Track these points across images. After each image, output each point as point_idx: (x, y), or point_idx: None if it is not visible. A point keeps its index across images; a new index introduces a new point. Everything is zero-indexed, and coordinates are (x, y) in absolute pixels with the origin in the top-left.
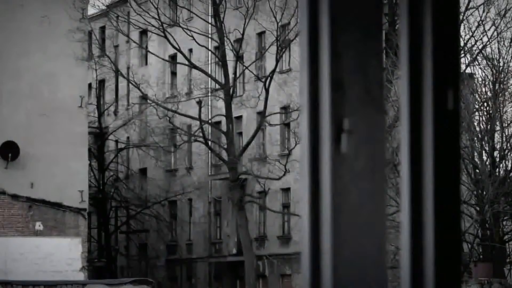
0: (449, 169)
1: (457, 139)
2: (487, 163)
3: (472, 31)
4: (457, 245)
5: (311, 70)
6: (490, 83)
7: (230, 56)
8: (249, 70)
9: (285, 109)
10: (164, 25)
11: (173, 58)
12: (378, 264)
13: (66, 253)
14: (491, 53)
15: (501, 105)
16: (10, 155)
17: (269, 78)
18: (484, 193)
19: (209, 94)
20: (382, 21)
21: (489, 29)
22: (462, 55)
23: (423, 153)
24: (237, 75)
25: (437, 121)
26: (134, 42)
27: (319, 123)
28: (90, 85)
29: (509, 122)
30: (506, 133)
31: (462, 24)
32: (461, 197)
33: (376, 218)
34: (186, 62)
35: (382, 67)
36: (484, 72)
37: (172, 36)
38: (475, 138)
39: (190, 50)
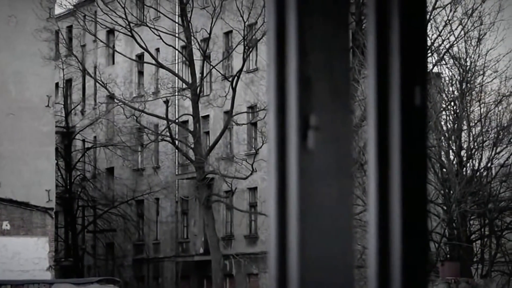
0: (416, 166)
1: (424, 136)
2: (454, 162)
3: (439, 30)
4: (424, 244)
5: (278, 67)
6: (457, 82)
7: (197, 55)
8: (216, 69)
9: (252, 109)
10: (131, 25)
11: (140, 57)
12: (345, 263)
13: (33, 253)
14: (458, 52)
15: (468, 105)
16: None
17: (236, 77)
18: (451, 192)
19: (176, 94)
20: (348, 20)
21: (456, 29)
22: (429, 54)
23: (390, 151)
24: (204, 74)
25: (404, 118)
26: (101, 41)
27: (286, 119)
28: (57, 84)
29: (476, 121)
30: (473, 133)
31: (429, 24)
32: (428, 195)
33: (343, 216)
34: (153, 62)
35: (349, 64)
36: (451, 72)
37: (139, 36)
38: (442, 138)
39: (157, 50)
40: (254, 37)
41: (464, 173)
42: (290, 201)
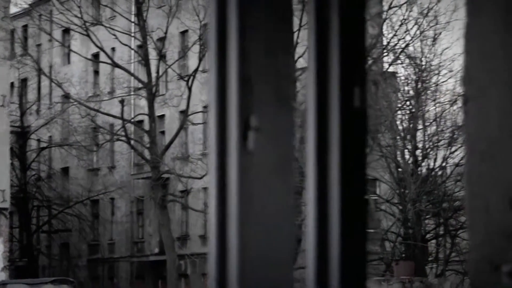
0: (355, 167)
1: (364, 137)
2: (409, 162)
3: (395, 30)
4: (363, 244)
5: (218, 67)
6: (413, 81)
7: (153, 55)
8: (172, 69)
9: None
10: (87, 24)
11: (96, 57)
12: (285, 264)
13: None
14: (414, 52)
15: (423, 104)
16: None
17: (192, 77)
18: (407, 191)
19: (132, 93)
20: (292, 19)
21: (411, 28)
22: (385, 53)
23: (329, 152)
24: (160, 74)
25: (344, 119)
26: (57, 41)
27: (226, 120)
28: (12, 84)
29: (431, 121)
30: (428, 132)
31: (385, 23)
32: (368, 195)
33: (283, 217)
34: (109, 61)
35: (291, 65)
36: (407, 71)
37: (95, 35)
38: (398, 137)
39: (113, 49)
40: None
41: (419, 172)
42: (230, 201)
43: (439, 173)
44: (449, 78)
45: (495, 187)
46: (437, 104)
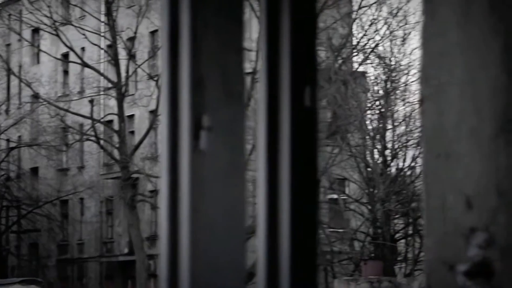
0: (306, 168)
1: (314, 136)
2: (378, 161)
3: (365, 29)
4: (313, 247)
5: (170, 66)
6: (382, 81)
7: (122, 54)
8: (141, 69)
9: None
10: (57, 24)
11: (65, 56)
12: (237, 264)
13: None
14: (383, 51)
15: (393, 104)
16: None
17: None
18: (376, 191)
19: (102, 93)
20: (243, 18)
21: (381, 28)
22: (355, 53)
23: (279, 152)
24: (130, 73)
25: (294, 119)
26: (26, 40)
27: (178, 119)
28: None
29: (400, 120)
30: (398, 132)
31: (355, 23)
32: (319, 196)
33: (235, 217)
34: (79, 61)
35: (243, 64)
36: (377, 71)
37: (65, 35)
38: (367, 137)
39: (83, 49)
40: None
41: (389, 172)
42: (182, 201)
43: (408, 173)
44: (418, 78)
45: (451, 186)
46: (407, 104)
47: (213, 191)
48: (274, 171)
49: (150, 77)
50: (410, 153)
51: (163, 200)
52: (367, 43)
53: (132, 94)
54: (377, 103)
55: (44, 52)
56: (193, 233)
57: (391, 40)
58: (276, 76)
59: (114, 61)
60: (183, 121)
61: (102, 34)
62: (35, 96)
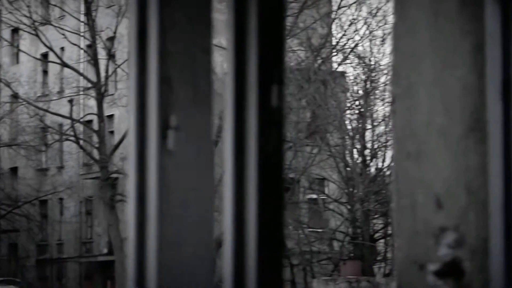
0: (273, 166)
1: (281, 135)
2: (358, 161)
3: (345, 29)
4: (279, 243)
5: (139, 67)
6: (362, 81)
7: (102, 54)
8: (121, 68)
9: None
10: (36, 24)
11: (45, 56)
12: (205, 264)
13: None
14: (363, 51)
15: (372, 104)
16: None
17: None
18: (355, 191)
19: (81, 93)
20: (211, 20)
21: (361, 28)
22: (335, 53)
23: (246, 150)
24: (109, 73)
25: (261, 117)
26: (6, 40)
27: (146, 119)
28: None
29: (380, 120)
30: (377, 132)
31: (335, 23)
32: (284, 194)
33: (203, 215)
34: (58, 61)
35: (210, 65)
36: (356, 71)
37: (44, 35)
38: (346, 137)
39: (62, 49)
40: None
41: (368, 172)
42: (150, 200)
43: (388, 172)
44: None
45: (421, 186)
46: (386, 104)
47: (181, 190)
48: (241, 169)
49: None
50: (389, 153)
51: (131, 200)
52: (347, 43)
53: (112, 94)
54: (357, 103)
55: (24, 52)
56: (161, 232)
57: (370, 40)
58: (244, 75)
59: (94, 61)
60: (151, 121)
61: (81, 34)
62: (15, 96)
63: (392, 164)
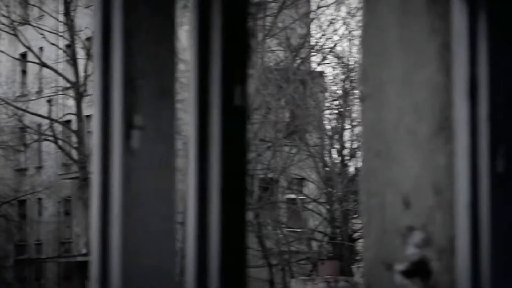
0: (236, 166)
1: (244, 135)
2: (336, 161)
3: (323, 29)
4: (242, 246)
5: (103, 67)
6: (341, 81)
7: (81, 54)
8: None
9: None
10: (15, 23)
11: (23, 56)
12: (168, 266)
13: None
14: (342, 51)
15: (351, 103)
16: None
17: None
18: (334, 191)
19: (60, 93)
20: (175, 19)
21: (339, 28)
22: (313, 53)
23: (209, 150)
24: (88, 73)
25: (224, 117)
26: None
27: (109, 119)
28: None
29: (358, 120)
30: (356, 131)
31: (314, 23)
32: (248, 196)
33: (167, 217)
34: (37, 61)
35: (175, 65)
36: (335, 71)
37: (23, 35)
38: (325, 136)
39: (41, 49)
40: None
41: (347, 172)
42: (113, 201)
43: None
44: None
45: (390, 185)
46: None
47: (145, 190)
48: (204, 169)
49: None
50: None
51: (94, 200)
52: (326, 43)
53: (91, 94)
54: (336, 102)
55: (2, 52)
56: (125, 233)
57: (349, 40)
58: (207, 74)
59: (73, 60)
60: (115, 120)
61: (60, 34)
62: None
63: (361, 163)
